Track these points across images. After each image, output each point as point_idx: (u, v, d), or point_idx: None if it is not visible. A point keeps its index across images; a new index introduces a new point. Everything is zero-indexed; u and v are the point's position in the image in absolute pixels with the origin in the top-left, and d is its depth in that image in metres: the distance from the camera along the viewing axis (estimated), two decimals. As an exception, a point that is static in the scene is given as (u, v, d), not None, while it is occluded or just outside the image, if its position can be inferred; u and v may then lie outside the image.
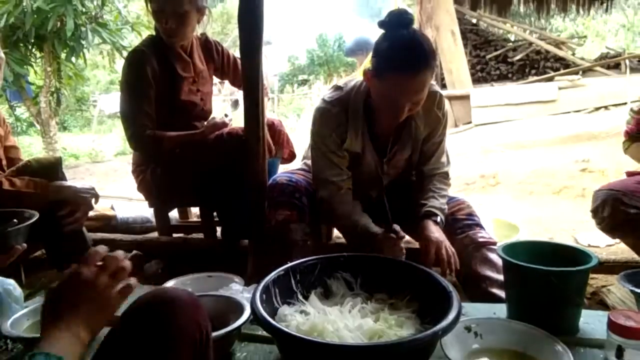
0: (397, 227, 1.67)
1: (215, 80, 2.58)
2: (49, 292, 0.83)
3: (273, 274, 1.38)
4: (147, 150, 2.20)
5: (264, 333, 1.29)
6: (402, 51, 1.52)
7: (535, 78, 8.91)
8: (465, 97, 8.23)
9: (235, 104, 2.50)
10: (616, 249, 3.00)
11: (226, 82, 2.72)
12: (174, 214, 2.68)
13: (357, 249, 1.70)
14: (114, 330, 0.82)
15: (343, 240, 2.21)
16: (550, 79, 8.44)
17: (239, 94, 2.51)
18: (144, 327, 0.79)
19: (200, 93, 2.29)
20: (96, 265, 0.85)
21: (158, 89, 2.16)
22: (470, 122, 8.15)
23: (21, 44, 5.62)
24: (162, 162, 2.21)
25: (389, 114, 1.63)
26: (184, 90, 2.21)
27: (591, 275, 2.05)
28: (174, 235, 2.53)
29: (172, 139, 2.16)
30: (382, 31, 1.59)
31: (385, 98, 1.59)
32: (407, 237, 1.84)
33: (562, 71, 8.84)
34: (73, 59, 6.00)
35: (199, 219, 2.54)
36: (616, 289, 1.95)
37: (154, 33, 2.26)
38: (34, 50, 5.96)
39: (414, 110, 1.62)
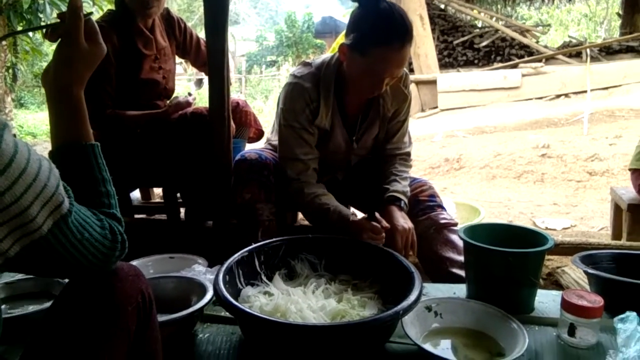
0: (378, 215, 1.65)
1: (180, 59, 2.51)
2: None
3: (237, 255, 1.38)
4: (107, 129, 2.13)
5: (227, 314, 1.29)
6: (387, 24, 1.49)
7: (500, 65, 9.06)
8: (433, 82, 8.31)
9: (199, 82, 2.43)
10: (571, 232, 3.12)
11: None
12: (135, 194, 2.62)
13: (322, 231, 1.69)
14: (56, 302, 0.84)
15: (307, 222, 2.21)
16: (515, 66, 8.61)
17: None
18: (89, 296, 0.82)
19: (163, 71, 2.22)
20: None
21: (119, 67, 2.08)
22: (436, 107, 8.26)
23: (-26, 16, 5.35)
24: (123, 141, 2.15)
25: (368, 88, 1.61)
26: (145, 68, 2.14)
27: (547, 257, 2.13)
28: (136, 216, 2.48)
29: (133, 118, 2.10)
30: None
31: (367, 72, 1.56)
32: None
33: (526, 58, 9.02)
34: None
35: (162, 200, 2.50)
36: (570, 270, 2.02)
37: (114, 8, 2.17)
38: (-13, 22, 5.68)
39: (389, 84, 1.63)
